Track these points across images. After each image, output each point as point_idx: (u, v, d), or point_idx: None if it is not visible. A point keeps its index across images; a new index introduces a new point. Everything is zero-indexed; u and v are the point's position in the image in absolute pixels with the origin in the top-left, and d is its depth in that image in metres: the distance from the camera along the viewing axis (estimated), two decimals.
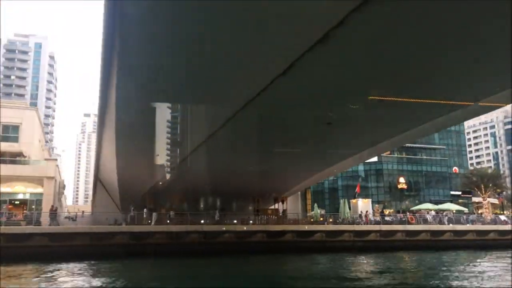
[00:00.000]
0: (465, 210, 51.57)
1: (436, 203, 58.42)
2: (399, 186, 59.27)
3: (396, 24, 12.53)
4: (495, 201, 72.91)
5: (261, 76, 16.45)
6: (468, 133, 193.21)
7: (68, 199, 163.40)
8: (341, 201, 52.42)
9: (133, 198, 43.87)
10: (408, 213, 43.87)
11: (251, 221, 39.03)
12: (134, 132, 25.75)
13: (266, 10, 11.99)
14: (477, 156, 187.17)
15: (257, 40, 13.93)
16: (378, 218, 46.27)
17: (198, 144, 26.66)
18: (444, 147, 63.48)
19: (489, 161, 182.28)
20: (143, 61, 16.61)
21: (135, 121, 23.47)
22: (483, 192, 51.79)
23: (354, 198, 52.09)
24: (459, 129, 65.62)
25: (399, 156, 61.73)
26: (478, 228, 41.81)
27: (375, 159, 59.90)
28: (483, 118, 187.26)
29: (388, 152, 61.50)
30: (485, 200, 51.86)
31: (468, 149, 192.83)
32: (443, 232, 39.93)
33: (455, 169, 58.45)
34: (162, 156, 30.49)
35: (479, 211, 61.25)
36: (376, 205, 52.15)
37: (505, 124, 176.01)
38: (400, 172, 60.28)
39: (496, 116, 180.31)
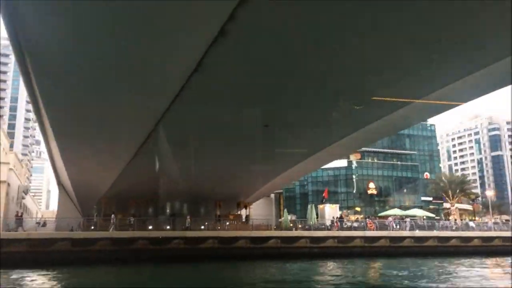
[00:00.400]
0: (433, 216, 51.16)
1: (406, 208, 57.97)
2: (369, 192, 58.74)
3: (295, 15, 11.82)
4: (469, 207, 72.76)
5: (175, 75, 15.74)
6: (453, 139, 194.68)
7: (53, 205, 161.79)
8: (309, 206, 51.88)
9: (91, 203, 42.89)
10: (367, 219, 43.28)
11: (202, 227, 38.16)
12: (72, 132, 24.74)
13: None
14: (462, 162, 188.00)
15: (158, 37, 13.21)
16: (348, 224, 45.89)
17: (139, 145, 25.79)
18: (415, 152, 63.18)
19: (473, 167, 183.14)
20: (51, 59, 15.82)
21: (69, 121, 22.52)
22: (451, 198, 51.35)
23: (322, 203, 51.47)
24: (431, 134, 65.37)
25: (370, 161, 61.29)
26: (439, 235, 41.27)
27: (345, 164, 59.50)
28: (467, 124, 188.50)
29: (359, 157, 61.14)
30: (453, 206, 51.42)
31: (453, 155, 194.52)
32: (402, 238, 39.32)
33: (426, 174, 58.05)
34: (107, 159, 29.56)
35: (450, 217, 60.94)
36: (344, 211, 51.55)
37: (489, 130, 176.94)
38: (371, 177, 59.80)
39: (481, 122, 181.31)
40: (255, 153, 27.06)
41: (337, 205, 51.53)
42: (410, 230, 42.46)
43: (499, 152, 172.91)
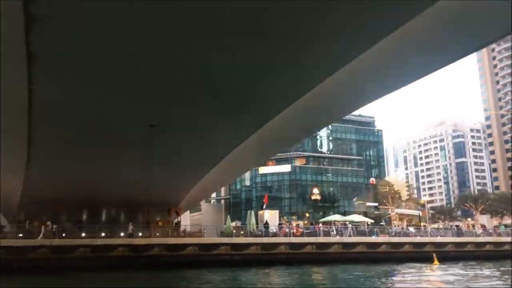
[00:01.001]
0: (372, 221, 50.79)
1: (353, 214, 57.57)
2: (313, 197, 58.09)
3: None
4: (416, 212, 72.93)
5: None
6: (420, 146, 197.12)
7: None
8: (248, 212, 50.83)
9: (12, 209, 40.95)
10: (296, 225, 42.48)
11: (122, 234, 36.58)
12: None
13: None
14: (428, 169, 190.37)
15: None
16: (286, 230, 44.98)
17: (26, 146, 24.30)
18: (361, 157, 62.98)
19: (438, 173, 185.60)
20: None
21: None
22: (390, 203, 51.09)
23: (262, 209, 50.51)
24: (377, 139, 65.30)
25: (314, 166, 60.69)
26: (369, 241, 40.63)
27: (288, 169, 58.81)
28: (433, 131, 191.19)
29: (304, 162, 60.54)
30: (393, 211, 51.15)
31: (419, 162, 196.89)
32: (330, 244, 38.50)
33: (372, 180, 57.75)
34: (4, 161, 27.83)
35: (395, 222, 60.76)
36: (285, 217, 50.64)
37: (453, 137, 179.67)
38: (316, 183, 59.22)
39: (446, 130, 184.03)
40: (152, 156, 25.89)
41: (277, 211, 50.60)
42: (350, 236, 42.02)
43: (463, 159, 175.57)
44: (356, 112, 68.04)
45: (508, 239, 47.34)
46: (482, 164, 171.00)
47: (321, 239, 38.97)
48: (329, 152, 62.92)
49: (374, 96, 20.64)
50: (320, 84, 15.92)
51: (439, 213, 76.32)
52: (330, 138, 63.48)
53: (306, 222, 56.34)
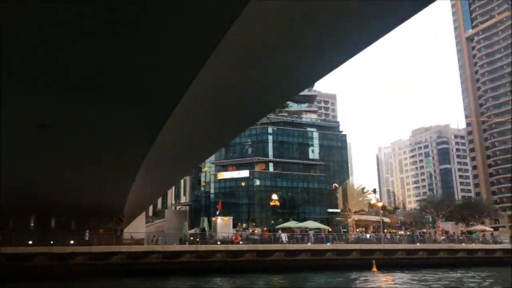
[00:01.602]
0: (327, 227, 49.74)
1: (316, 220, 56.52)
2: (272, 203, 56.95)
3: None
4: (387, 219, 71.78)
5: None
6: (405, 152, 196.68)
7: None
8: (201, 219, 49.72)
9: None
10: (234, 233, 41.37)
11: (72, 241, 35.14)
12: None
13: None
14: (413, 175, 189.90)
15: None
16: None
17: None
18: (323, 163, 61.95)
19: (423, 180, 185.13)
20: None
21: None
22: (348, 209, 50.06)
23: (216, 216, 49.36)
24: (341, 145, 64.35)
25: (274, 171, 59.59)
26: (313, 248, 39.50)
27: (246, 174, 57.72)
28: (418, 138, 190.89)
29: (263, 168, 59.49)
30: (350, 217, 50.10)
31: (404, 168, 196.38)
32: (272, 252, 37.32)
33: (335, 185, 56.72)
34: None
35: (358, 229, 59.64)
36: (239, 224, 49.46)
37: (438, 144, 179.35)
38: (275, 189, 58.09)
39: (430, 136, 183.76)
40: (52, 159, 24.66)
41: (231, 218, 49.42)
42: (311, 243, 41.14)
43: (447, 165, 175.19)
44: (321, 117, 67.24)
45: (462, 246, 46.41)
46: (466, 170, 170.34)
47: (261, 247, 37.83)
48: (290, 157, 61.84)
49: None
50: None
51: (411, 220, 75.37)
52: (292, 143, 62.49)
53: (265, 228, 55.18)
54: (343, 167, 62.05)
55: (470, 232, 60.49)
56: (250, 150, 59.87)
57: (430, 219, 72.98)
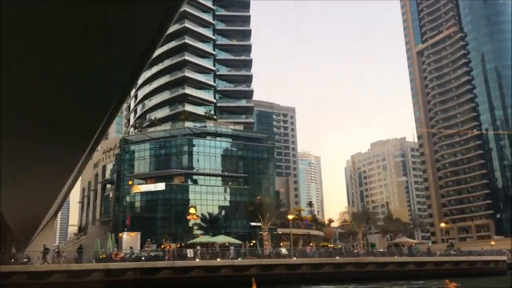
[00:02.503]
0: (239, 242, 48.04)
1: (230, 235, 54.81)
2: (189, 217, 54.99)
3: None
4: (320, 233, 70.67)
5: None
6: (364, 165, 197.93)
7: None
8: (108, 234, 47.46)
9: None
10: (115, 250, 39.27)
11: None
12: None
13: None
14: (372, 188, 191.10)
15: None
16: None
17: None
18: (246, 175, 60.49)
19: (381, 192, 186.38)
20: None
21: None
22: (263, 222, 48.50)
23: (124, 231, 47.09)
24: (267, 156, 63.16)
25: (193, 184, 57.71)
26: (206, 264, 37.67)
27: (163, 187, 55.75)
28: (376, 150, 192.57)
29: (182, 180, 57.62)
30: (265, 231, 48.53)
31: (363, 181, 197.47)
32: (158, 269, 35.27)
33: (259, 198, 55.27)
34: None
35: (282, 243, 58.17)
36: (148, 240, 47.21)
37: (395, 156, 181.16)
38: (194, 202, 56.12)
39: (387, 149, 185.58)
40: None
41: (138, 233, 47.21)
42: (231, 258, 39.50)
43: (403, 178, 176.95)
44: (247, 128, 66.03)
45: (370, 259, 45.34)
46: (422, 183, 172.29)
47: (147, 264, 35.74)
48: (212, 169, 60.16)
49: None
50: None
51: (347, 233, 74.43)
52: (215, 154, 60.88)
53: (182, 244, 53.14)
54: (269, 179, 60.75)
55: (396, 245, 59.94)
56: (170, 162, 57.95)
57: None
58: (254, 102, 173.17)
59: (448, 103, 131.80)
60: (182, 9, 77.99)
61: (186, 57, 74.10)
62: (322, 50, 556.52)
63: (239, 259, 40.27)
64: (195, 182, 58.20)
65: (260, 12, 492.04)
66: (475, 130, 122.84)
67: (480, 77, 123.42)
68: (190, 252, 43.32)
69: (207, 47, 78.94)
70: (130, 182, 59.59)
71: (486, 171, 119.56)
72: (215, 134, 61.15)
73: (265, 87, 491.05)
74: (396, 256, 47.82)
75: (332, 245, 65.47)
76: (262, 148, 62.52)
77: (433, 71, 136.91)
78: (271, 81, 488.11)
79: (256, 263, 39.35)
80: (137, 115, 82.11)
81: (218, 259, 39.55)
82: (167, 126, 66.00)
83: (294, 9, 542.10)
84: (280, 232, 59.87)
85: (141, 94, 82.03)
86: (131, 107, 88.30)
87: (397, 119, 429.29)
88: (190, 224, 55.03)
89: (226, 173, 59.80)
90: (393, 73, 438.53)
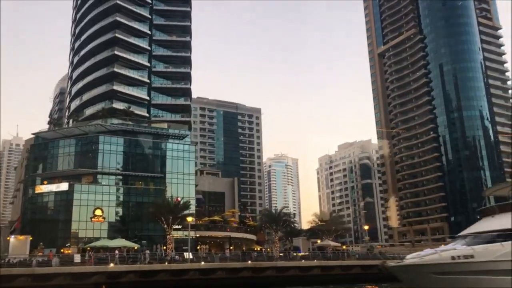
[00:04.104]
0: (134, 246, 45.35)
1: (142, 237, 52.08)
2: (94, 220, 51.87)
3: None
4: (253, 236, 68.01)
5: None
6: (331, 167, 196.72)
7: None
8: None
9: None
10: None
11: None
12: None
13: None
14: (338, 190, 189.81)
15: None
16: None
17: None
18: (162, 175, 57.64)
19: (347, 195, 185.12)
20: None
21: None
22: (167, 225, 45.78)
23: (12, 234, 43.90)
24: (188, 156, 60.18)
25: (101, 184, 54.57)
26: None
27: (66, 187, 52.58)
28: (343, 152, 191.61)
29: (91, 180, 54.45)
30: (170, 234, 45.87)
31: (330, 183, 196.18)
32: (51, 276, 32.39)
33: (177, 198, 52.47)
34: None
35: (203, 246, 55.65)
36: (40, 244, 44.16)
37: (360, 159, 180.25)
38: (102, 203, 53.01)
39: (353, 151, 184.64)
40: None
41: (28, 237, 44.07)
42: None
43: (368, 180, 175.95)
44: (163, 126, 63.22)
45: (270, 263, 42.92)
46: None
47: (39, 270, 32.88)
48: (127, 169, 57.19)
49: None
50: None
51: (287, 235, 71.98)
52: (130, 153, 57.95)
53: (88, 248, 50.00)
54: (188, 179, 57.97)
55: (321, 248, 57.84)
56: (78, 161, 54.77)
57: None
58: (218, 102, 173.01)
59: (407, 105, 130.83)
60: (113, 1, 75.22)
61: (117, 52, 71.04)
62: (283, 51, 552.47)
63: (113, 264, 37.24)
64: (103, 182, 55.06)
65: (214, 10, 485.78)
66: (431, 132, 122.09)
67: (438, 79, 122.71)
68: (77, 257, 40.53)
69: (142, 42, 75.99)
70: (42, 185, 56.09)
71: (441, 174, 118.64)
72: (131, 132, 58.16)
73: (229, 89, 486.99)
74: (303, 261, 45.47)
75: (259, 248, 62.99)
76: (183, 147, 59.73)
77: (394, 73, 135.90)
78: (227, 81, 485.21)
79: (135, 269, 36.57)
80: (69, 112, 78.90)
81: (112, 264, 36.59)
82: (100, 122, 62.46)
83: (250, 8, 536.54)
84: (198, 235, 57.14)
85: (75, 90, 78.82)
86: (67, 103, 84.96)
87: (366, 121, 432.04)
88: (96, 227, 51.87)
89: (138, 172, 56.83)
90: (362, 74, 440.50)
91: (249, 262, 41.68)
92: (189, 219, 44.71)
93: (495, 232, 24.04)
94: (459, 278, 22.58)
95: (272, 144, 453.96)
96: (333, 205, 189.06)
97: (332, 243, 57.91)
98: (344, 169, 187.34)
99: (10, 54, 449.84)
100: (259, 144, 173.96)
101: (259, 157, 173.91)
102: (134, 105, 71.88)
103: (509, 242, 22.71)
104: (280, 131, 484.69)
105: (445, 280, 22.79)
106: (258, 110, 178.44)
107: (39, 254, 43.00)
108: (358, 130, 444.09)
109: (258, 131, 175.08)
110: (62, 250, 47.52)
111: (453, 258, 22.99)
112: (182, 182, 57.75)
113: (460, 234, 28.16)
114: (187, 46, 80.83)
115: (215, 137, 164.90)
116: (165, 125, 61.86)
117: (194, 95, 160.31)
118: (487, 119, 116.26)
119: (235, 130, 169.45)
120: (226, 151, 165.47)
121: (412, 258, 25.50)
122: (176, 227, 51.56)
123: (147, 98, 73.97)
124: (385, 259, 50.70)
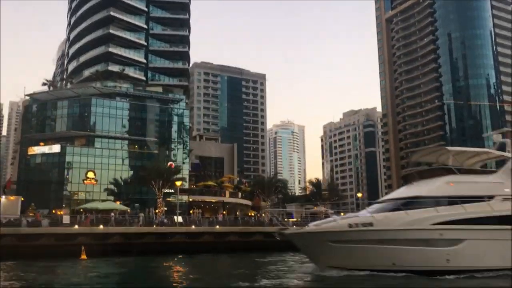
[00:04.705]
0: (126, 208, 45.68)
1: (135, 201, 52.50)
2: (86, 182, 52.17)
3: None
4: (247, 202, 68.43)
5: None
6: (335, 135, 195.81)
7: None
8: None
9: None
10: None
11: None
12: None
13: None
14: (341, 158, 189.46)
15: None
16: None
17: None
18: (155, 139, 57.29)
19: (350, 163, 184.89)
20: None
21: None
22: (157, 189, 45.96)
23: (4, 194, 44.35)
24: (182, 120, 59.60)
25: (94, 147, 54.38)
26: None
27: (58, 149, 52.62)
28: (348, 120, 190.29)
29: (84, 143, 54.41)
30: (160, 198, 46.12)
31: (334, 151, 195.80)
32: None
33: (171, 163, 52.46)
34: None
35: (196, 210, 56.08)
36: (32, 204, 44.67)
37: (365, 126, 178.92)
38: (95, 166, 52.96)
39: (358, 118, 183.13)
40: None
41: (19, 197, 44.58)
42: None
43: (372, 149, 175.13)
44: (159, 89, 62.54)
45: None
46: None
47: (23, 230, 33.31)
48: (119, 132, 57.00)
49: None
50: None
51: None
52: (122, 116, 57.56)
53: (81, 209, 50.54)
54: (183, 143, 57.66)
55: (314, 214, 57.92)
56: (71, 123, 54.61)
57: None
58: (222, 68, 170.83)
59: (413, 73, 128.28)
60: None
61: (112, 13, 69.68)
62: (289, 18, 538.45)
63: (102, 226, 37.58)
64: (96, 145, 54.99)
65: None
66: (436, 101, 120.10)
67: (445, 46, 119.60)
68: (66, 219, 41.00)
69: (139, 3, 74.36)
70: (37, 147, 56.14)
71: (445, 143, 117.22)
72: (124, 95, 57.66)
73: (234, 57, 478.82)
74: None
75: (253, 214, 63.34)
76: (178, 111, 59.21)
77: (401, 39, 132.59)
78: (236, 47, 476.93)
79: (122, 231, 36.82)
80: (67, 73, 78.39)
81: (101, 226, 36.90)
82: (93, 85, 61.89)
83: None
84: (191, 200, 57.27)
85: (72, 52, 78.00)
86: (65, 65, 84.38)
87: (372, 90, 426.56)
88: (89, 189, 52.27)
89: (131, 136, 56.62)
90: (369, 41, 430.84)
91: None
92: (178, 183, 44.76)
93: (403, 199, 22.59)
94: (356, 247, 21.20)
95: (278, 111, 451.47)
96: (336, 172, 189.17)
97: (325, 209, 57.91)
98: (348, 137, 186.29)
99: (20, 13, 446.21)
100: (263, 110, 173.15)
101: (263, 123, 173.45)
102: (131, 68, 71.08)
103: (418, 210, 21.43)
104: (285, 99, 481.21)
105: (341, 249, 21.32)
106: (263, 76, 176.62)
107: (31, 214, 43.52)
108: (364, 98, 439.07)
109: (262, 97, 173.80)
110: (53, 211, 48.05)
111: (350, 226, 21.46)
112: (176, 147, 57.57)
113: (376, 200, 26.98)
114: (185, 8, 79.06)
115: (219, 102, 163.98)
116: (161, 89, 61.16)
117: (198, 60, 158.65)
118: (494, 88, 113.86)
119: (240, 96, 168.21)
120: (230, 117, 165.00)
121: (313, 225, 24.13)
122: (168, 191, 51.87)
123: (144, 61, 73.02)
124: None
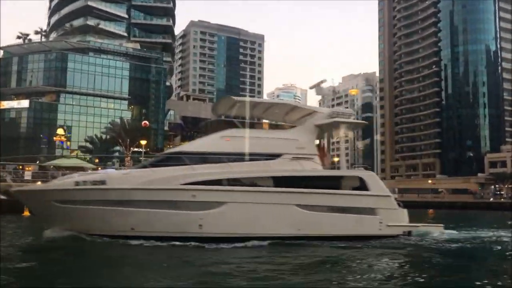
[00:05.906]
0: (92, 166, 44.93)
1: (107, 159, 51.77)
2: (56, 138, 51.22)
3: None
4: None
5: None
6: (333, 99, 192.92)
7: None
8: None
9: None
10: None
11: None
12: None
13: None
14: None
15: None
16: None
17: None
18: (129, 97, 55.91)
19: None
20: None
21: None
22: (126, 146, 45.14)
23: None
24: (160, 79, 57.96)
25: (64, 103, 53.35)
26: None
27: (26, 104, 51.47)
28: (346, 84, 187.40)
29: (54, 99, 53.19)
30: (127, 157, 45.36)
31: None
32: None
33: (145, 123, 51.39)
34: None
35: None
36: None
37: (363, 91, 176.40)
38: (63, 122, 51.96)
39: (357, 83, 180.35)
40: None
41: None
42: None
43: (369, 114, 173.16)
44: (136, 46, 60.73)
45: None
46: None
47: None
48: (91, 89, 55.73)
49: None
50: None
51: None
52: (95, 72, 56.06)
53: (51, 166, 49.94)
54: (162, 103, 56.35)
55: None
56: (43, 79, 53.25)
57: None
58: (219, 27, 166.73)
59: (412, 36, 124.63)
60: None
61: None
62: None
63: None
64: (66, 101, 53.85)
65: None
66: (434, 66, 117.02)
67: (446, 10, 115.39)
68: (27, 174, 40.49)
69: None
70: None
71: (440, 109, 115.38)
72: (99, 51, 55.98)
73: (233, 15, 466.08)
74: None
75: None
76: (157, 69, 57.56)
77: (402, 1, 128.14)
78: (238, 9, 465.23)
79: None
80: (50, 26, 76.25)
81: None
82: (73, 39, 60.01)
83: None
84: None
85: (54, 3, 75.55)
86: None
87: (372, 54, 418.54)
88: (59, 146, 51.53)
89: (104, 92, 55.38)
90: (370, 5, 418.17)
91: None
92: (143, 142, 43.82)
93: (167, 155, 20.03)
94: (83, 208, 17.85)
95: (279, 74, 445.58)
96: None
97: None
98: (347, 101, 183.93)
99: None
100: (260, 72, 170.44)
101: (260, 85, 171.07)
102: (112, 24, 68.87)
103: (168, 168, 18.30)
104: (285, 63, 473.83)
105: (66, 210, 18.04)
106: (261, 37, 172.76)
107: None
108: (364, 63, 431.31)
109: (260, 58, 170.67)
110: (19, 167, 47.47)
111: (77, 183, 18.17)
112: (151, 105, 56.39)
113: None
114: None
115: (215, 63, 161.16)
116: (138, 46, 59.32)
117: (195, 19, 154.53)
118: (493, 54, 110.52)
119: (237, 57, 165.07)
120: (226, 78, 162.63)
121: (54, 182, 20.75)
122: (138, 150, 51.00)
123: (125, 16, 70.62)
124: None
